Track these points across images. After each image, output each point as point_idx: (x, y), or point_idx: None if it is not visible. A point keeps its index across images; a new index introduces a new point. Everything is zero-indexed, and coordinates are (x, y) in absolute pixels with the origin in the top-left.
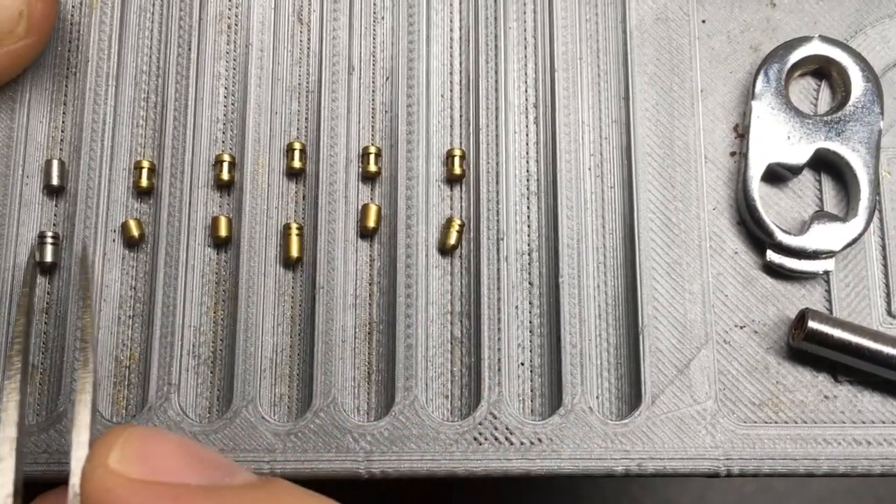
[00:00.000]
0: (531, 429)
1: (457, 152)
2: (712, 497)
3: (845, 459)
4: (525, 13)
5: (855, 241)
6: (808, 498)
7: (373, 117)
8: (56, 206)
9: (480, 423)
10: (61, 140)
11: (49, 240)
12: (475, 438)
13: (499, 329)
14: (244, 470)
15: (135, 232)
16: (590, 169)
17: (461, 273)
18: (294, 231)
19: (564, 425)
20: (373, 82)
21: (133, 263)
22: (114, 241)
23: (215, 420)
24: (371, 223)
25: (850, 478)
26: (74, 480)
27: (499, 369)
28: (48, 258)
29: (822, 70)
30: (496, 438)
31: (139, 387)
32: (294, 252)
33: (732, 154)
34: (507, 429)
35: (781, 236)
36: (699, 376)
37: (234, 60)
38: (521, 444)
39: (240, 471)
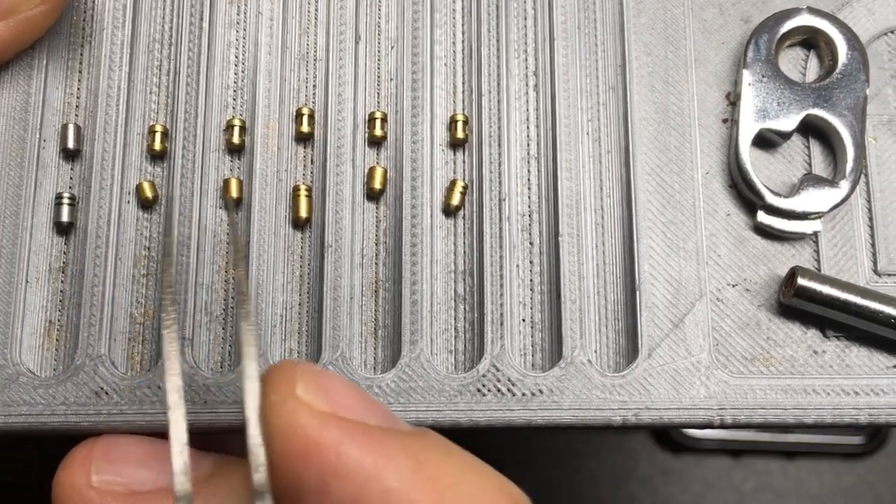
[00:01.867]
0: (532, 380)
1: (460, 117)
2: (712, 496)
3: (833, 409)
4: None
5: (842, 202)
6: (808, 497)
7: (378, 84)
8: (72, 168)
9: (483, 376)
10: (77, 105)
11: (66, 201)
12: (478, 390)
13: (501, 286)
14: (399, 418)
15: (149, 194)
16: (588, 134)
17: (464, 233)
18: (303, 193)
19: (564, 377)
20: (378, 51)
21: (147, 224)
22: (128, 202)
23: (227, 373)
24: (377, 185)
25: (848, 478)
26: (252, 431)
27: (501, 324)
28: (65, 219)
29: (811, 40)
30: (499, 390)
31: (153, 342)
32: (303, 213)
33: (724, 121)
34: (509, 380)
35: (771, 198)
36: (694, 330)
37: (245, 29)
38: (523, 395)
39: (399, 419)
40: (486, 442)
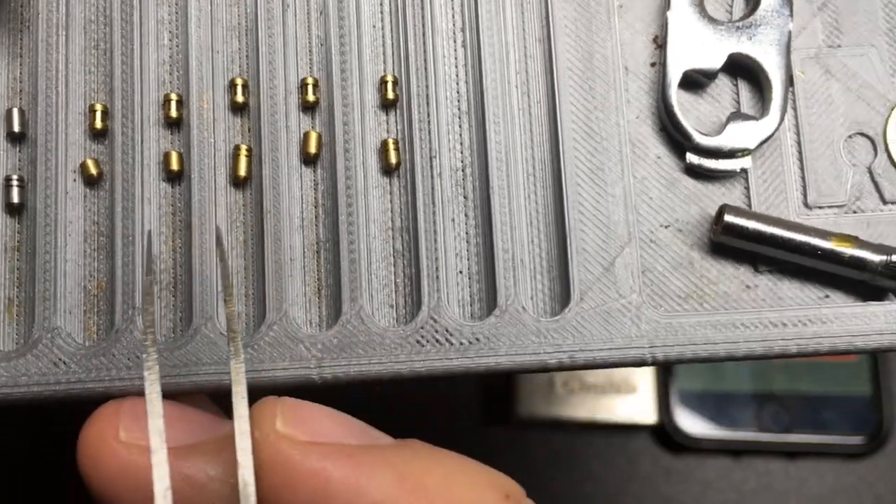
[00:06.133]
0: (469, 330)
1: (389, 78)
2: (712, 496)
3: (762, 341)
4: None
5: (769, 138)
6: (808, 497)
7: (309, 51)
8: (19, 151)
9: (422, 328)
10: (20, 90)
11: (15, 183)
12: (417, 341)
13: (435, 241)
14: (382, 433)
15: (93, 171)
16: (516, 87)
17: (399, 191)
18: (243, 152)
19: (500, 325)
20: (308, 17)
21: (94, 200)
22: (74, 180)
23: (179, 338)
24: (312, 150)
25: (848, 478)
26: (243, 471)
27: (437, 277)
28: (15, 200)
29: None
30: (437, 340)
31: (107, 313)
32: (242, 172)
33: (653, 65)
34: (446, 331)
35: (699, 138)
36: (623, 273)
37: (176, 5)
38: (461, 343)
39: (381, 433)
40: (488, 442)
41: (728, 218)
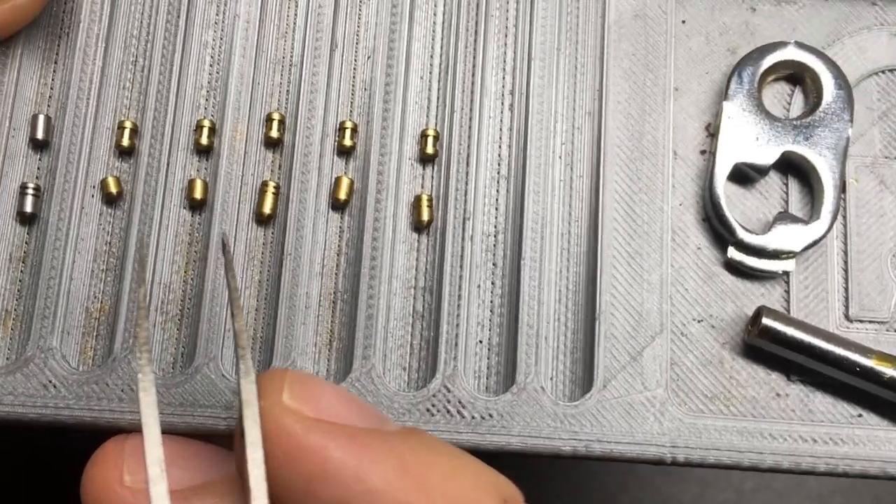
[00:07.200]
0: (483, 404)
1: (430, 132)
2: (712, 495)
3: (790, 455)
4: (508, 1)
5: (815, 243)
6: (807, 496)
7: (352, 94)
8: (40, 159)
9: (434, 395)
10: (49, 97)
11: (30, 191)
12: (428, 410)
13: (458, 306)
14: (388, 418)
15: (113, 189)
16: (560, 157)
17: (428, 250)
18: (270, 189)
19: (516, 403)
20: (355, 60)
21: (110, 220)
22: (93, 196)
23: (178, 375)
24: (343, 195)
25: (848, 477)
26: (257, 494)
27: (455, 344)
28: (28, 209)
29: (797, 75)
30: (448, 411)
31: (107, 338)
32: (267, 209)
33: (703, 152)
34: (459, 402)
35: (743, 234)
36: (651, 364)
37: (222, 31)
38: (472, 417)
39: (388, 419)
40: None
41: (766, 321)
